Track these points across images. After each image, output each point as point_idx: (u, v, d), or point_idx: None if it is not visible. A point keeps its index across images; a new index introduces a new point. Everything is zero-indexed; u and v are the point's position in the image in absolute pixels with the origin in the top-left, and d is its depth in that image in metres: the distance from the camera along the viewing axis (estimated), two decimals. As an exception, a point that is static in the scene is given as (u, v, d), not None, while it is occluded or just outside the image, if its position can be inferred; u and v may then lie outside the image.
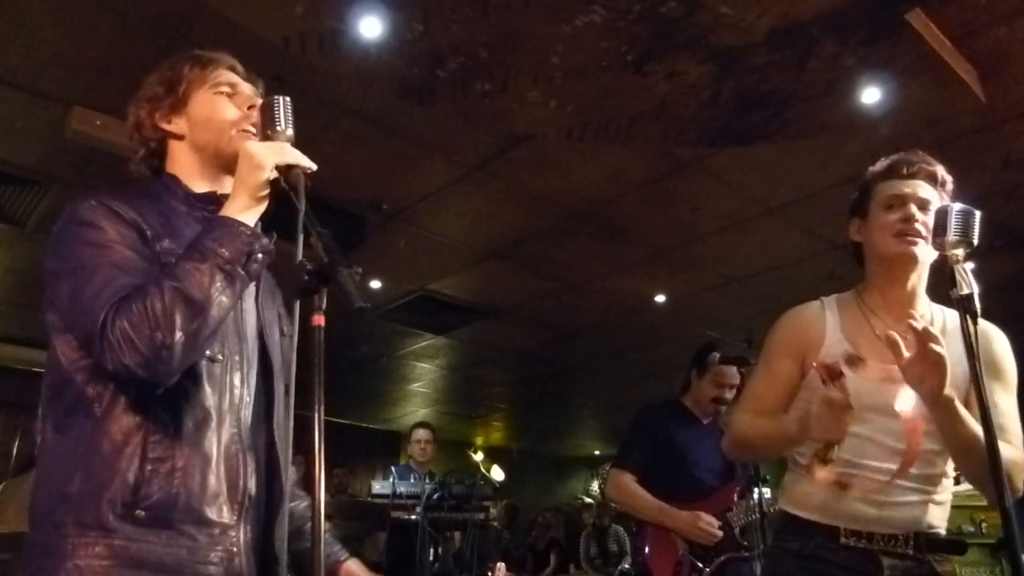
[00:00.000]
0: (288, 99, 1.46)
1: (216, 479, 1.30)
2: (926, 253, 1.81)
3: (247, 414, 1.38)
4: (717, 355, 3.42)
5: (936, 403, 1.64)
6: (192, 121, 1.53)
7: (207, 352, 1.32)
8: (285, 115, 1.44)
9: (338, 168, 4.42)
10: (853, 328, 1.88)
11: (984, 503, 1.63)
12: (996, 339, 1.86)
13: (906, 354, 1.64)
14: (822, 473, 1.68)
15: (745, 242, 5.36)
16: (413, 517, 4.73)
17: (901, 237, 1.82)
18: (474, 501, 4.97)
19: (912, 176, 1.87)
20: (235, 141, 1.49)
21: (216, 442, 1.31)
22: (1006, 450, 1.69)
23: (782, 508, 1.93)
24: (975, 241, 1.63)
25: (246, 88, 1.58)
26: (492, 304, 6.68)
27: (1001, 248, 5.25)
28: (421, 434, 5.48)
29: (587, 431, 12.42)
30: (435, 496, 4.74)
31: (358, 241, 5.20)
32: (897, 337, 1.64)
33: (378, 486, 4.63)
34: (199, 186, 1.52)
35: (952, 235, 1.63)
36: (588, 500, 11.20)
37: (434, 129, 4.12)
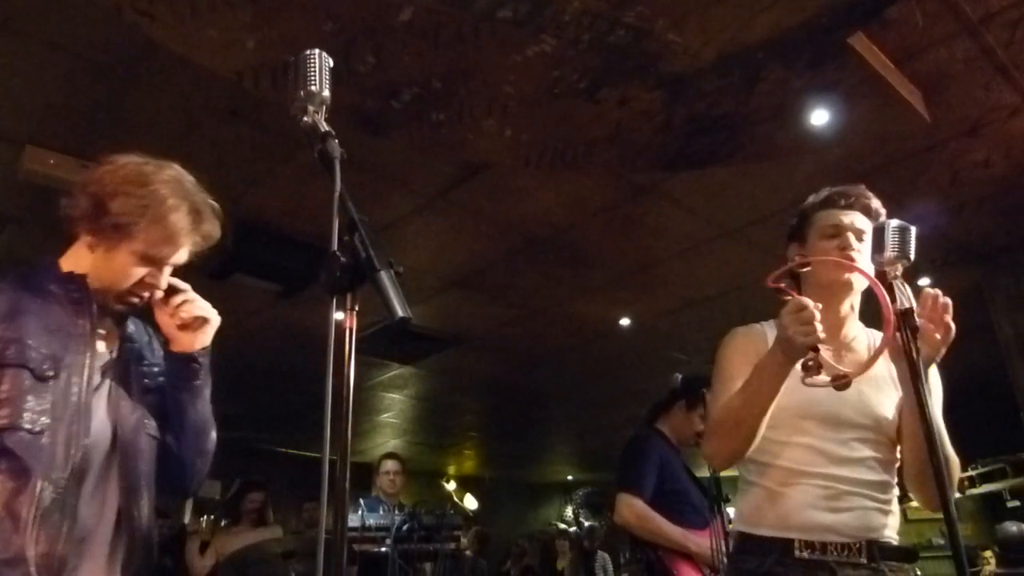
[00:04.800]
0: (327, 57, 1.31)
1: (28, 548, 1.33)
2: (860, 280, 1.85)
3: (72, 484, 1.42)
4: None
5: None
6: (106, 252, 1.53)
7: (24, 424, 1.37)
8: (321, 73, 1.29)
9: (297, 202, 4.41)
10: None
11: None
12: None
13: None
14: (815, 378, 1.60)
15: (705, 264, 5.42)
16: (383, 550, 4.67)
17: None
18: (444, 531, 4.92)
19: (849, 207, 1.92)
20: (124, 296, 1.54)
21: (37, 510, 1.35)
22: (954, 458, 1.73)
23: (736, 529, 1.93)
24: (912, 256, 1.68)
25: (162, 280, 1.57)
26: (458, 332, 6.68)
27: (954, 263, 5.36)
28: (389, 465, 5.42)
29: (559, 457, 12.38)
30: (405, 527, 4.69)
31: (319, 275, 5.18)
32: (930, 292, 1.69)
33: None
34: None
35: (890, 251, 1.68)
36: (563, 526, 11.14)
37: (392, 160, 4.14)
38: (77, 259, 1.56)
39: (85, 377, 1.47)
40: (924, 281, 5.35)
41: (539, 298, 6.03)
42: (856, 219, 1.91)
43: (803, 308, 1.60)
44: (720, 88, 3.57)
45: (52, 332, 1.45)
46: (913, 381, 1.55)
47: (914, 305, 1.61)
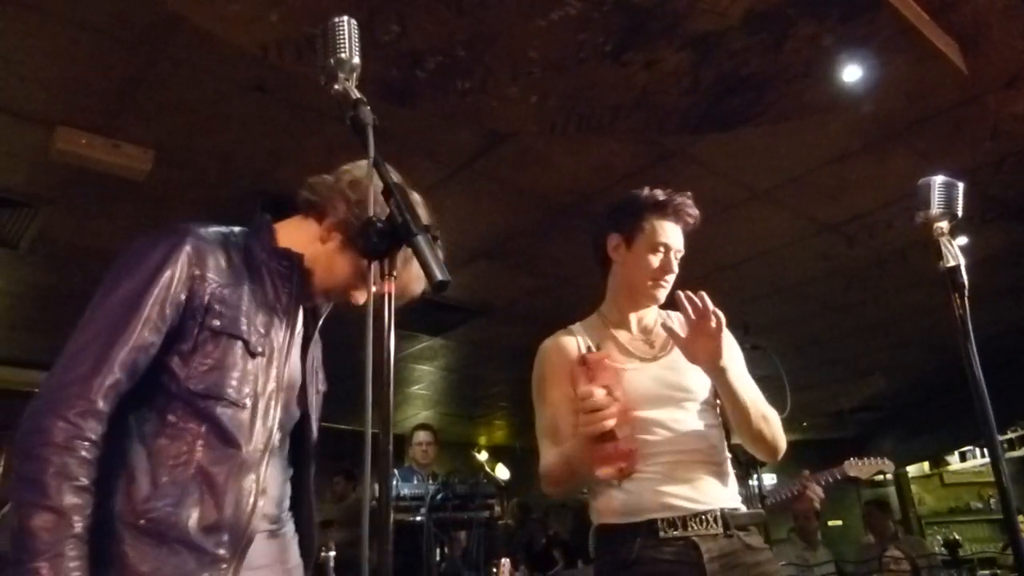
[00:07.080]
0: (354, 22, 1.31)
1: (220, 513, 1.34)
2: (664, 293, 2.03)
3: (268, 457, 1.44)
4: None
5: (715, 371, 1.83)
6: (336, 250, 1.54)
7: (231, 395, 1.38)
8: (350, 40, 1.29)
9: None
10: (603, 345, 1.97)
11: (991, 479, 1.69)
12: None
13: (681, 334, 1.86)
14: (604, 472, 1.76)
15: (734, 228, 5.35)
16: (418, 519, 4.72)
17: (656, 283, 2.00)
18: (478, 500, 4.97)
19: (679, 219, 2.01)
20: (343, 293, 1.58)
21: (232, 480, 1.37)
22: (773, 413, 1.90)
23: (597, 524, 1.94)
24: (959, 213, 1.66)
25: (361, 296, 1.61)
26: (486, 303, 6.68)
27: (992, 220, 5.25)
28: (422, 436, 5.49)
29: (590, 425, 12.38)
30: (439, 497, 4.74)
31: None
32: (673, 327, 1.90)
33: (382, 490, 4.64)
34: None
35: (936, 208, 1.66)
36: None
37: (417, 131, 4.11)
38: (297, 235, 1.56)
39: (286, 357, 1.49)
40: (962, 240, 5.25)
41: (566, 267, 5.99)
42: (679, 237, 2.02)
43: (591, 399, 1.69)
44: (749, 46, 3.50)
45: (262, 307, 1.46)
46: (963, 341, 1.53)
47: (961, 262, 1.60)
